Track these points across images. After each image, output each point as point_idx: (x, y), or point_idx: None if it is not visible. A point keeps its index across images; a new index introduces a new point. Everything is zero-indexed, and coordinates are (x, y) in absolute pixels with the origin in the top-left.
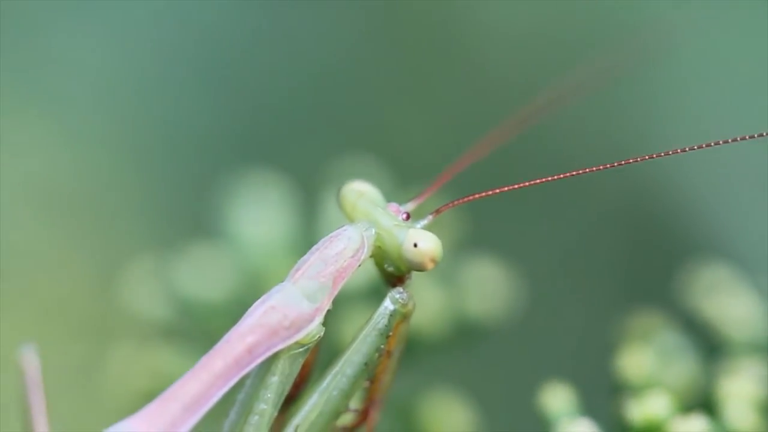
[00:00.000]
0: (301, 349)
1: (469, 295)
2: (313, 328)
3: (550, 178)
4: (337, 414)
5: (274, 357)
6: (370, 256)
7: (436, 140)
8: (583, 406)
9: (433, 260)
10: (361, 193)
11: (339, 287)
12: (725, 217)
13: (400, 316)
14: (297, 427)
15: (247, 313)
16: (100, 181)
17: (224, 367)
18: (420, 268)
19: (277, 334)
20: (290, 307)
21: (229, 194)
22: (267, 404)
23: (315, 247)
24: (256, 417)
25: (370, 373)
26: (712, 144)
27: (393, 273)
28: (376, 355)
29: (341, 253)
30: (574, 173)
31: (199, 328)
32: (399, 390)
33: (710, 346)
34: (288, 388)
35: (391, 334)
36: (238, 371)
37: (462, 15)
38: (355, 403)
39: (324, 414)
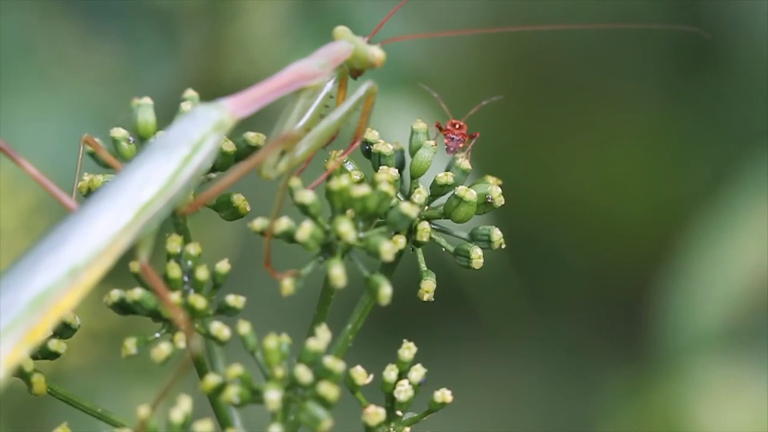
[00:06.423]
0: (312, 92)
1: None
2: (318, 81)
3: None
4: (326, 139)
5: (298, 93)
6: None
7: None
8: None
9: (381, 61)
10: (345, 30)
11: (336, 65)
12: None
13: (371, 93)
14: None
15: (289, 66)
16: None
17: (278, 85)
18: (374, 66)
19: (303, 77)
20: (310, 68)
21: None
22: (287, 123)
23: (325, 46)
24: (283, 128)
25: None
26: None
27: (357, 68)
28: (356, 114)
29: (338, 49)
30: None
31: None
32: None
33: None
34: (305, 115)
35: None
36: (283, 90)
37: None
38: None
39: (317, 138)
